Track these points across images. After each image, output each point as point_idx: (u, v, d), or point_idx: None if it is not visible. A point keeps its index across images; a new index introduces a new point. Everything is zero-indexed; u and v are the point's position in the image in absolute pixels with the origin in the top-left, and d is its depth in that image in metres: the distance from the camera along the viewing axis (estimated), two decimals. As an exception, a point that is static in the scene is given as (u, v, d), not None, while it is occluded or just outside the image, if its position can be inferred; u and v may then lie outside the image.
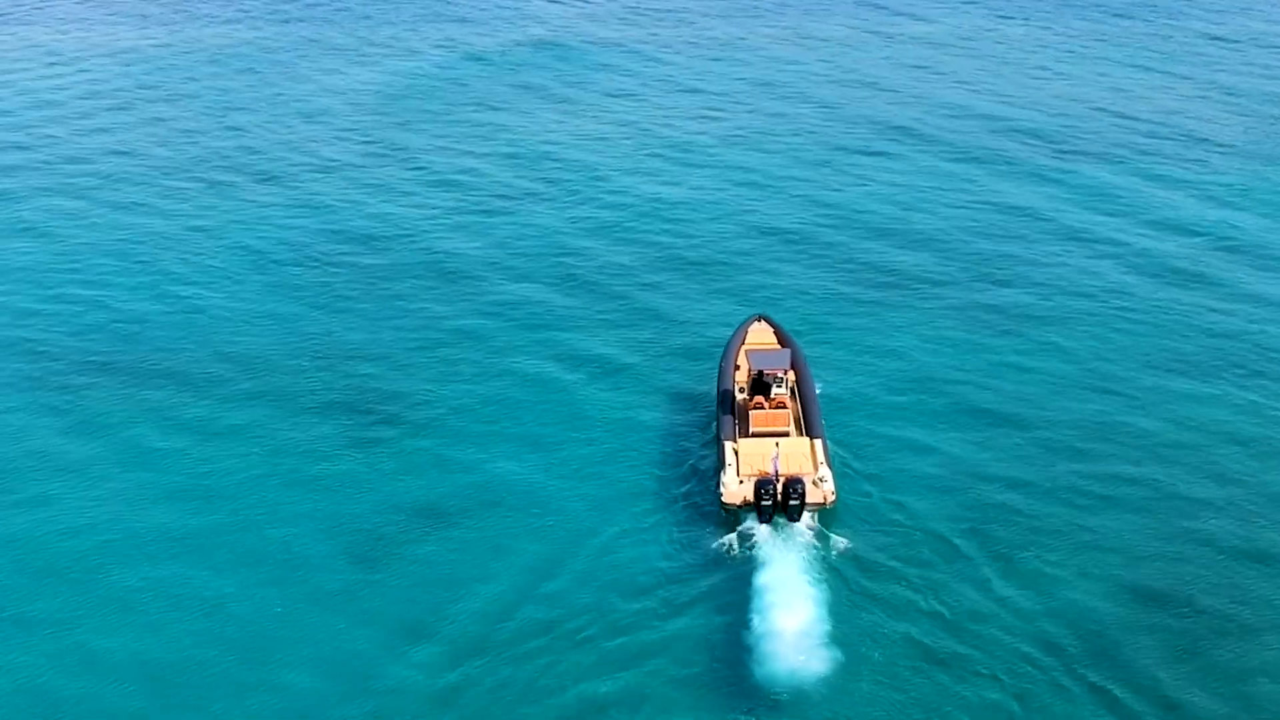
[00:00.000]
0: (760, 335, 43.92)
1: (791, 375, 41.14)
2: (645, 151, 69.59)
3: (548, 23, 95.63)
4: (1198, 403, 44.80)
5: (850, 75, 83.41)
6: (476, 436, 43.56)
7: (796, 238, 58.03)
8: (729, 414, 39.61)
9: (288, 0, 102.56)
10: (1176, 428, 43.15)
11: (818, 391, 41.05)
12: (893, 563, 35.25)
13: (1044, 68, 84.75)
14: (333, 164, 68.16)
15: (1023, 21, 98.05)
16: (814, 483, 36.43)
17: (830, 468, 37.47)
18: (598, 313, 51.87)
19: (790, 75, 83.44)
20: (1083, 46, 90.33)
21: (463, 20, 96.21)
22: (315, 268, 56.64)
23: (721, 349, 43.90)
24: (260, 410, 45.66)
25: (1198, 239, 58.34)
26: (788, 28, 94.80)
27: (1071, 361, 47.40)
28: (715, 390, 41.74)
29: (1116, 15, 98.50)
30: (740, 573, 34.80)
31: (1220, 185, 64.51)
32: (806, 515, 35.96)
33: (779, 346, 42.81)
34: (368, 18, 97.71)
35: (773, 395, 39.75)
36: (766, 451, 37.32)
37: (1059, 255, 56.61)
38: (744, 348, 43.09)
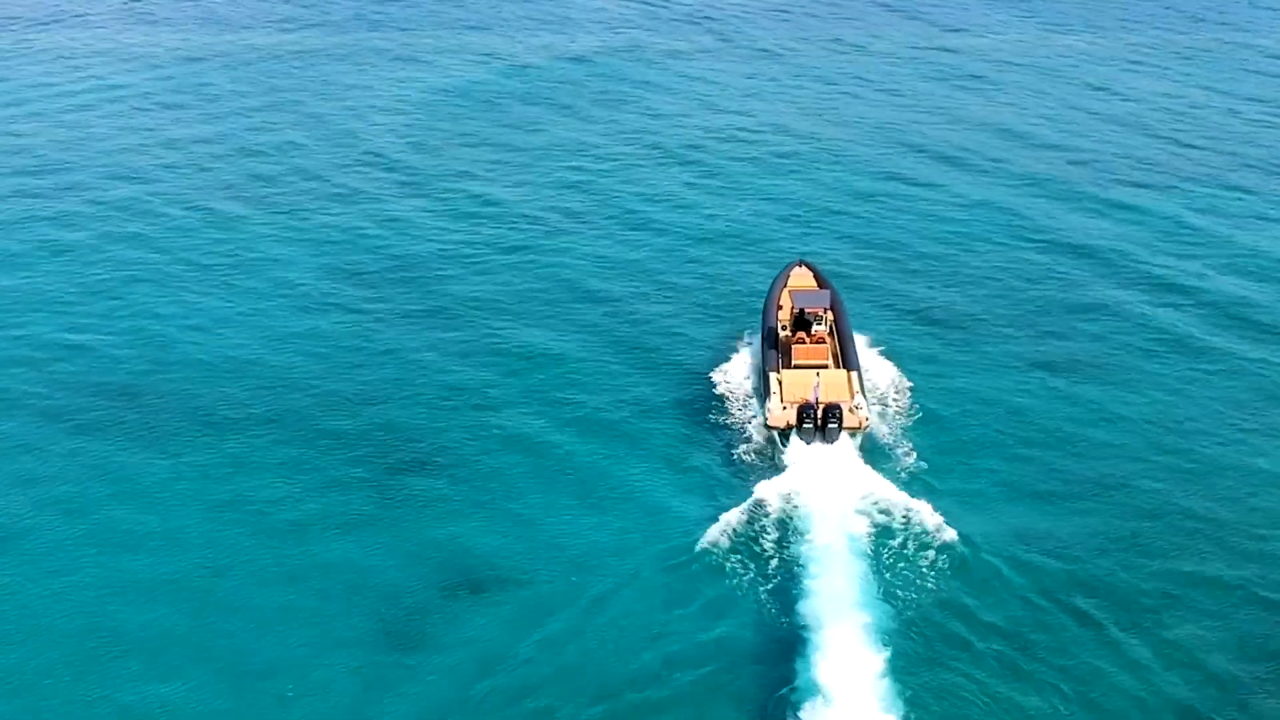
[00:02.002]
0: (801, 278, 47.52)
1: (830, 314, 44.34)
2: (684, 178, 65.21)
3: (589, 37, 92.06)
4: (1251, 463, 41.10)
5: (897, 97, 78.48)
6: (511, 486, 40.09)
7: (843, 270, 53.42)
8: (773, 348, 43.13)
9: (315, 12, 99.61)
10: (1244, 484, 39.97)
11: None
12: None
13: (1103, 87, 79.55)
14: (358, 191, 63.44)
15: (1082, 34, 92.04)
16: (850, 409, 39.85)
17: (864, 396, 40.98)
18: (636, 351, 48.03)
19: (835, 97, 78.56)
20: (1147, 62, 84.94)
21: (496, 33, 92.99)
22: (342, 302, 52.12)
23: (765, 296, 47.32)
24: (281, 455, 41.75)
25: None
26: (830, 42, 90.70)
27: (1142, 417, 43.56)
28: (760, 328, 45.07)
29: (1181, 30, 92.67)
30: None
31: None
32: (844, 435, 39.29)
33: (818, 288, 46.04)
34: (403, 28, 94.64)
35: (813, 331, 43.35)
36: (807, 381, 40.53)
37: (1126, 299, 51.65)
38: (786, 289, 46.45)
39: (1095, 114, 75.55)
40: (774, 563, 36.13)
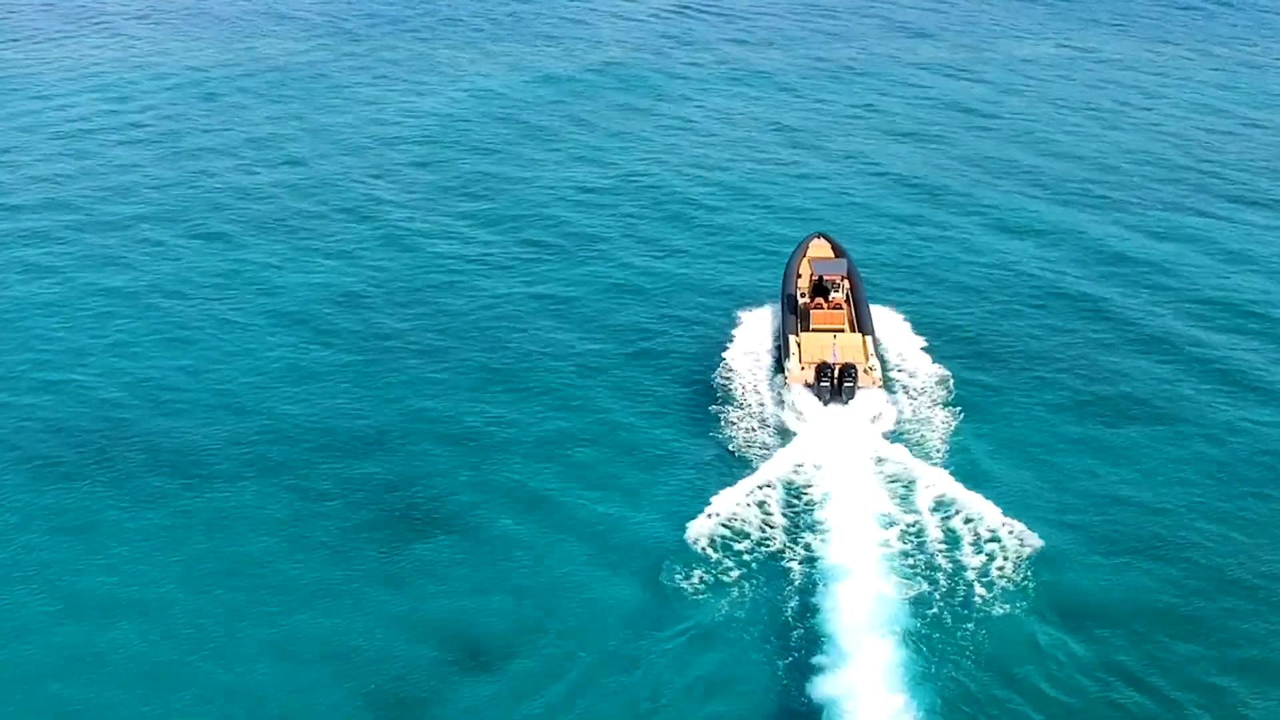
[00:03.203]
0: (820, 249, 49.73)
1: (847, 282, 46.44)
2: (716, 195, 61.48)
3: (614, 45, 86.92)
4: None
5: (937, 107, 74.01)
6: (514, 538, 37.31)
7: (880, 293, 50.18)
8: (793, 313, 45.32)
9: (326, 20, 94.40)
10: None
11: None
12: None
13: (1140, 100, 74.25)
14: (357, 212, 59.56)
15: (1118, 41, 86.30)
16: (865, 370, 42.12)
17: (878, 358, 43.30)
18: (649, 387, 44.99)
19: (868, 109, 73.79)
20: (1181, 72, 79.30)
21: (510, 43, 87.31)
22: (335, 335, 48.66)
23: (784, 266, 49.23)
24: (265, 504, 38.63)
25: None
26: (869, 51, 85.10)
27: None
28: (780, 295, 47.21)
29: (1222, 43, 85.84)
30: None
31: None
32: (859, 394, 41.37)
33: (836, 258, 48.04)
34: (422, 38, 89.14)
35: (830, 298, 45.55)
36: (825, 343, 42.98)
37: (1180, 327, 48.60)
38: (806, 258, 48.54)
39: (1131, 127, 70.88)
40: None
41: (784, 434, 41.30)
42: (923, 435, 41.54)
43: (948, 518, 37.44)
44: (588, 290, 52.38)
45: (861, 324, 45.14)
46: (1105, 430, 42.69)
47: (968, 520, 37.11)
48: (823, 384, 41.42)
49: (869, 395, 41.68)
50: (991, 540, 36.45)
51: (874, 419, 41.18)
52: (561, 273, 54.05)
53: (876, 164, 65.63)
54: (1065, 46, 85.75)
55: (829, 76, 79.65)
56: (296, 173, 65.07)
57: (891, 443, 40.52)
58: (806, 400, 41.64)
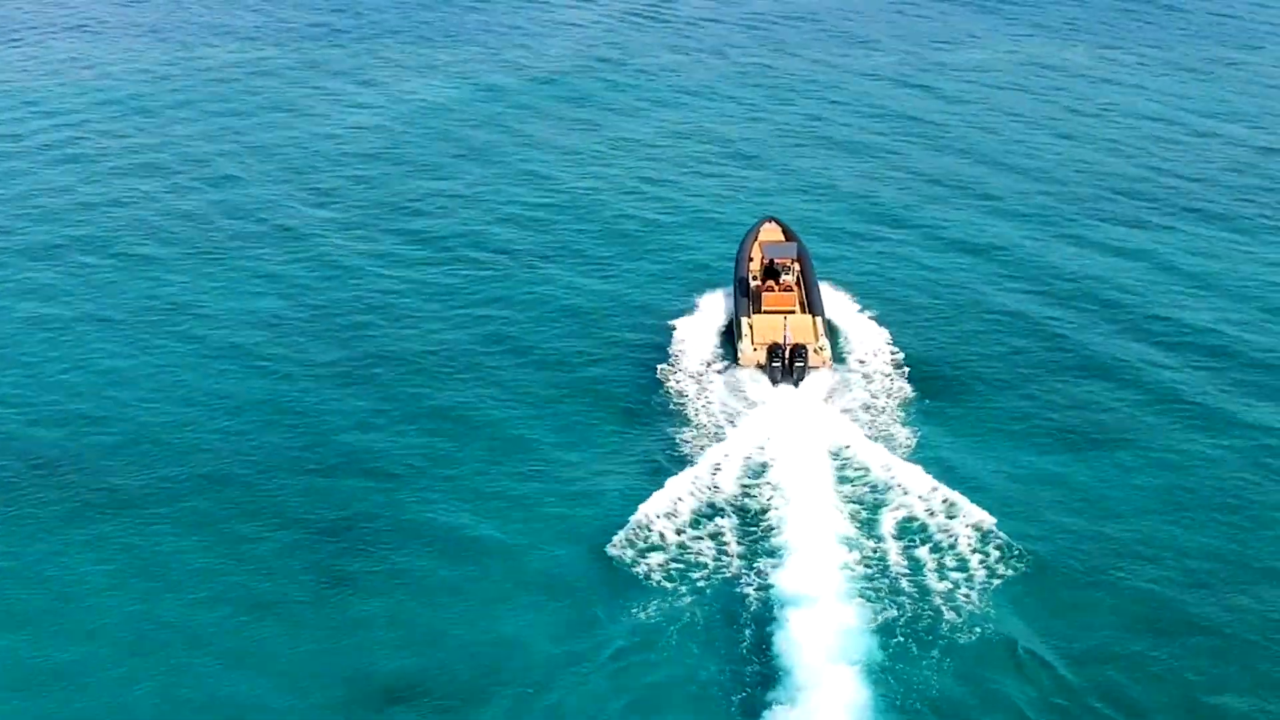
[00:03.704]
0: (771, 233, 50.51)
1: (797, 265, 47.16)
2: (659, 210, 59.11)
3: (558, 56, 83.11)
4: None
5: (885, 118, 71.22)
6: (457, 569, 35.63)
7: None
8: (744, 296, 45.97)
9: (268, 33, 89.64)
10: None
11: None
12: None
13: (1094, 109, 72.05)
14: (292, 231, 57.04)
15: (1074, 49, 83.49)
16: (815, 350, 42.92)
17: (828, 338, 43.98)
18: (588, 404, 43.37)
19: (815, 119, 70.81)
20: (1136, 81, 76.78)
21: (458, 49, 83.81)
22: (267, 359, 46.42)
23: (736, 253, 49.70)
24: (203, 538, 36.77)
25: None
26: (816, 61, 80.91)
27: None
28: (732, 278, 47.77)
29: (1179, 48, 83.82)
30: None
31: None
32: (810, 374, 42.11)
33: (787, 241, 48.77)
34: (364, 50, 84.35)
35: (781, 280, 46.22)
36: (776, 325, 43.47)
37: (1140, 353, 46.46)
38: (757, 242, 49.28)
39: (1082, 138, 68.84)
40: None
41: (734, 419, 41.25)
42: (876, 419, 41.48)
43: (908, 510, 37.18)
44: (525, 311, 50.25)
45: (812, 305, 45.94)
46: (1064, 434, 41.73)
47: (927, 508, 37.11)
48: (774, 364, 42.24)
49: (819, 376, 42.62)
50: (948, 529, 36.19)
51: (825, 399, 41.80)
52: (499, 292, 51.89)
53: (824, 176, 63.77)
54: (1014, 54, 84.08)
55: (775, 87, 77.50)
56: (231, 192, 62.52)
57: (845, 426, 40.52)
58: (757, 382, 42.44)
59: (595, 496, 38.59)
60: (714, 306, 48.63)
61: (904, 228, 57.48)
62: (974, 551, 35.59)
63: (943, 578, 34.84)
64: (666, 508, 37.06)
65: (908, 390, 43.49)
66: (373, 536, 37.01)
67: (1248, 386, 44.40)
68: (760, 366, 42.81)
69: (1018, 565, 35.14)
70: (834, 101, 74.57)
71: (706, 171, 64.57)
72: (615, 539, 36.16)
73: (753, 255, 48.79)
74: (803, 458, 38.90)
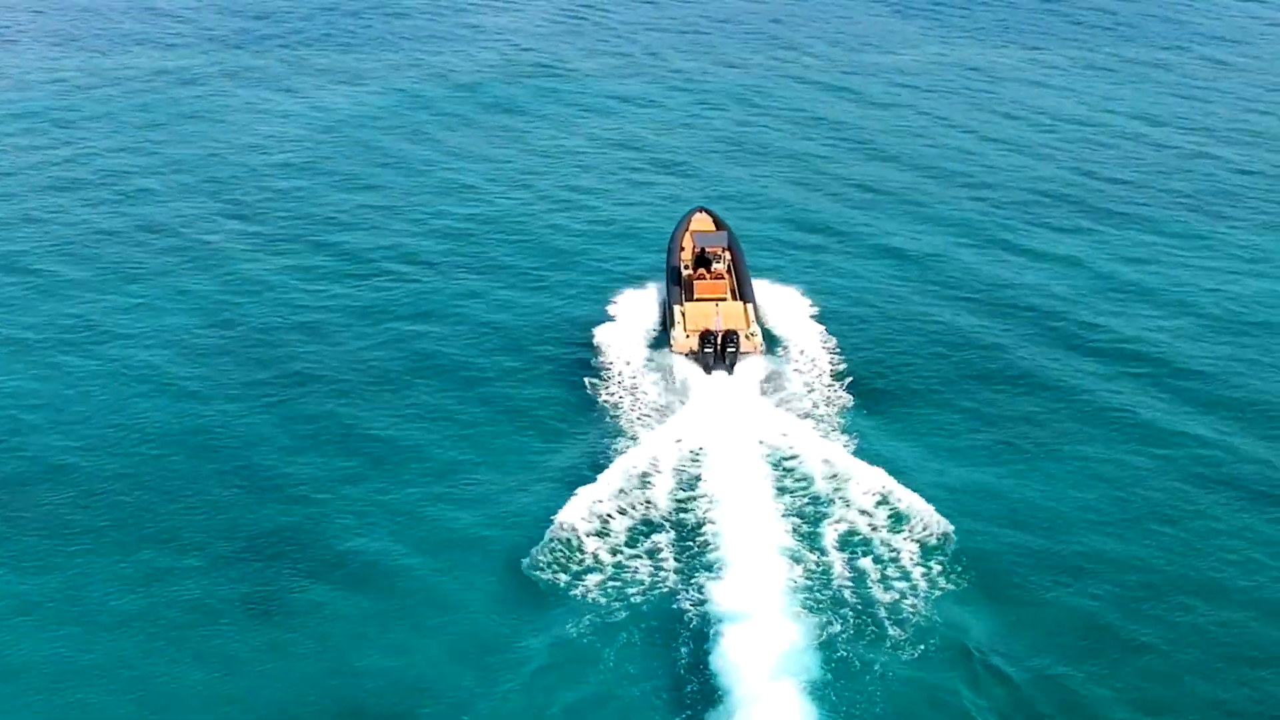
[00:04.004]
0: (702, 222, 51.17)
1: (728, 253, 48.00)
2: (585, 220, 57.95)
3: (486, 63, 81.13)
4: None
5: (816, 123, 70.31)
6: (396, 587, 34.55)
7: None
8: (677, 284, 46.60)
9: (193, 41, 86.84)
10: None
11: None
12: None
13: (1016, 111, 71.57)
14: (210, 246, 55.04)
15: (999, 49, 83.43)
16: (746, 336, 43.52)
17: (758, 324, 44.61)
18: (519, 414, 42.41)
19: (744, 125, 70.15)
20: (1061, 82, 76.81)
21: (380, 55, 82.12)
22: (196, 381, 44.60)
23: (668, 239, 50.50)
24: (117, 566, 35.25)
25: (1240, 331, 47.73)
26: (748, 66, 79.46)
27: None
28: (665, 267, 48.45)
29: (1098, 48, 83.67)
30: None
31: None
32: (740, 364, 42.57)
33: (717, 230, 49.58)
34: (292, 57, 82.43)
35: (713, 269, 46.91)
36: (708, 312, 44.20)
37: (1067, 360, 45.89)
38: (689, 231, 50.01)
39: (1010, 142, 68.43)
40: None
41: (667, 409, 41.50)
42: (813, 414, 41.43)
43: (843, 494, 37.27)
44: (449, 326, 48.77)
45: (743, 293, 46.63)
46: (1000, 443, 41.31)
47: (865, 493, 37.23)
48: (706, 350, 42.71)
49: (752, 361, 43.18)
50: (891, 517, 36.22)
51: (760, 395, 41.99)
52: (422, 308, 50.40)
53: (754, 184, 62.92)
54: (944, 56, 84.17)
55: (705, 92, 76.82)
56: (148, 206, 60.45)
57: (781, 426, 40.30)
58: (690, 370, 42.79)
59: (521, 515, 37.43)
60: (639, 312, 47.96)
61: (834, 234, 56.77)
62: (917, 564, 34.86)
63: (887, 588, 34.08)
64: (598, 525, 36.02)
65: (842, 398, 42.85)
66: (293, 563, 35.68)
67: (1180, 393, 44.03)
68: (693, 353, 43.27)
69: (959, 580, 34.46)
70: (764, 107, 73.94)
71: (636, 180, 63.55)
72: (543, 556, 35.11)
73: (684, 245, 49.48)
74: (740, 464, 38.22)
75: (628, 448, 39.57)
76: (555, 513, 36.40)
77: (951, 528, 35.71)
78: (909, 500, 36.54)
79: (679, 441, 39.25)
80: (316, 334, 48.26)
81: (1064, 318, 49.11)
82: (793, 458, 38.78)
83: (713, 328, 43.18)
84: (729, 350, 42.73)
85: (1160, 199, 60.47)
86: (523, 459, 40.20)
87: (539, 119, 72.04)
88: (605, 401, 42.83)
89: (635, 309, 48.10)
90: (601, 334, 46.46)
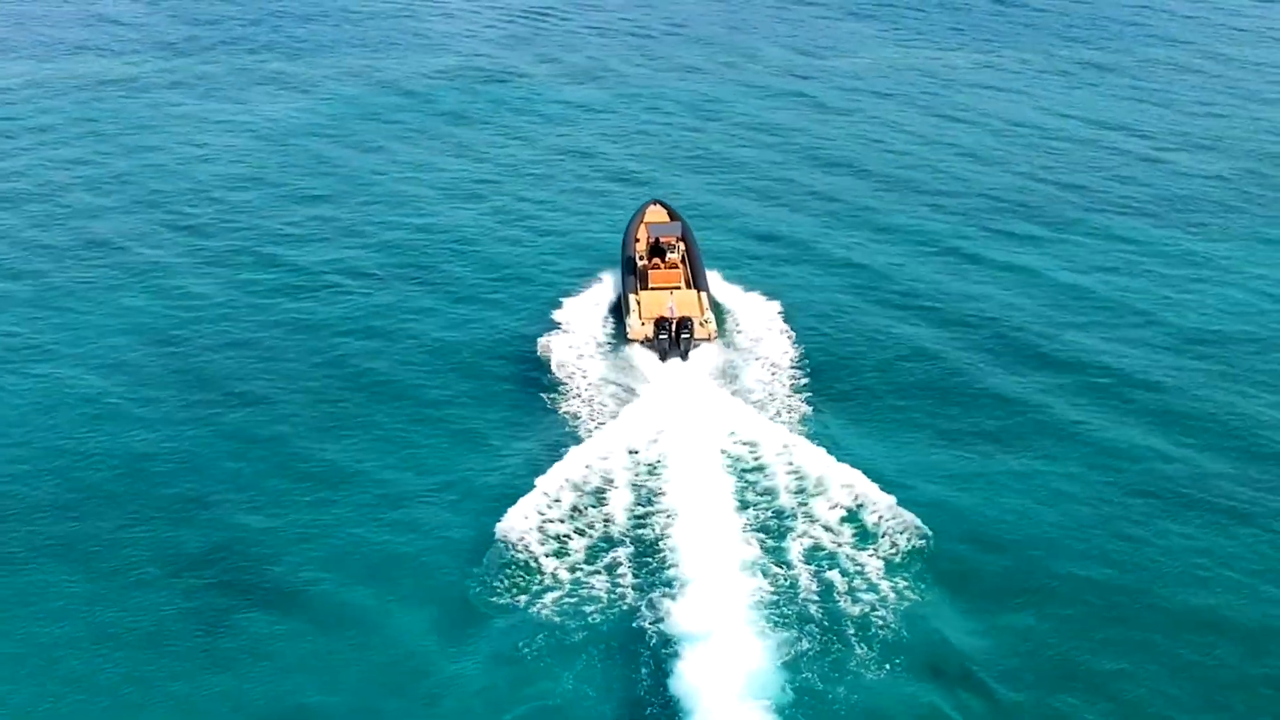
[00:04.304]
0: (656, 214, 51.98)
1: (682, 244, 48.83)
2: (539, 225, 56.73)
3: (441, 63, 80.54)
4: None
5: (772, 127, 69.40)
6: (361, 608, 33.37)
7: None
8: (632, 274, 47.40)
9: (141, 44, 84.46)
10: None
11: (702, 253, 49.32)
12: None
13: (963, 114, 70.70)
14: (148, 260, 53.08)
15: (951, 53, 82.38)
16: (700, 323, 44.15)
17: (712, 312, 45.28)
18: (488, 425, 41.21)
19: (698, 129, 69.08)
20: (1011, 86, 75.96)
21: (324, 61, 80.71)
22: (143, 389, 43.32)
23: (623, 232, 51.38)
24: (69, 583, 33.93)
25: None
26: (704, 68, 79.98)
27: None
28: (620, 258, 49.25)
29: (1052, 51, 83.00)
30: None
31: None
32: (695, 351, 43.09)
33: (671, 221, 50.28)
34: (243, 59, 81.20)
35: (667, 258, 47.96)
36: (663, 300, 44.99)
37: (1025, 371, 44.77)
38: (643, 223, 50.72)
39: (957, 145, 67.55)
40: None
41: (624, 399, 41.61)
42: (767, 399, 41.61)
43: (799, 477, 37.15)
44: (396, 343, 47.23)
45: (697, 281, 47.31)
46: (959, 439, 40.82)
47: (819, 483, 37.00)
48: (661, 337, 43.21)
49: (706, 349, 43.62)
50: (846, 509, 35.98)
51: (712, 374, 42.48)
52: (368, 323, 48.71)
53: (708, 191, 61.72)
54: (904, 59, 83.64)
55: (659, 96, 75.78)
56: (89, 221, 58.38)
57: (735, 406, 40.49)
58: (646, 357, 43.20)
59: (471, 532, 36.10)
60: (589, 320, 47.17)
61: (784, 243, 55.49)
62: (884, 577, 33.83)
63: (854, 600, 32.99)
64: (555, 545, 34.76)
65: (801, 395, 42.49)
66: (235, 589, 34.28)
67: (1135, 402, 43.16)
68: (648, 340, 43.73)
69: (926, 592, 33.49)
70: (718, 114, 72.82)
71: (588, 189, 62.07)
72: (495, 577, 33.89)
73: (639, 236, 50.31)
74: (700, 467, 37.35)
75: (583, 446, 38.73)
76: (505, 525, 35.31)
77: (918, 521, 35.10)
78: (870, 494, 35.99)
79: (634, 453, 38.27)
80: (260, 352, 46.66)
81: (1021, 327, 48.30)
82: (755, 465, 37.87)
83: (667, 315, 43.80)
84: (683, 337, 43.25)
85: (1119, 205, 59.67)
86: (474, 473, 38.94)
87: (490, 127, 70.66)
88: (558, 406, 42.00)
89: (585, 316, 47.29)
90: (550, 340, 45.70)
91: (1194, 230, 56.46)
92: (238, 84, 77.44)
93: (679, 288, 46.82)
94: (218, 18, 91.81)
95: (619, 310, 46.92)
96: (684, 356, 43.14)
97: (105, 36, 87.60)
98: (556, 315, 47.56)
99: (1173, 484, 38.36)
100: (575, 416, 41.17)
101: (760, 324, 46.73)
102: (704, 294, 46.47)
